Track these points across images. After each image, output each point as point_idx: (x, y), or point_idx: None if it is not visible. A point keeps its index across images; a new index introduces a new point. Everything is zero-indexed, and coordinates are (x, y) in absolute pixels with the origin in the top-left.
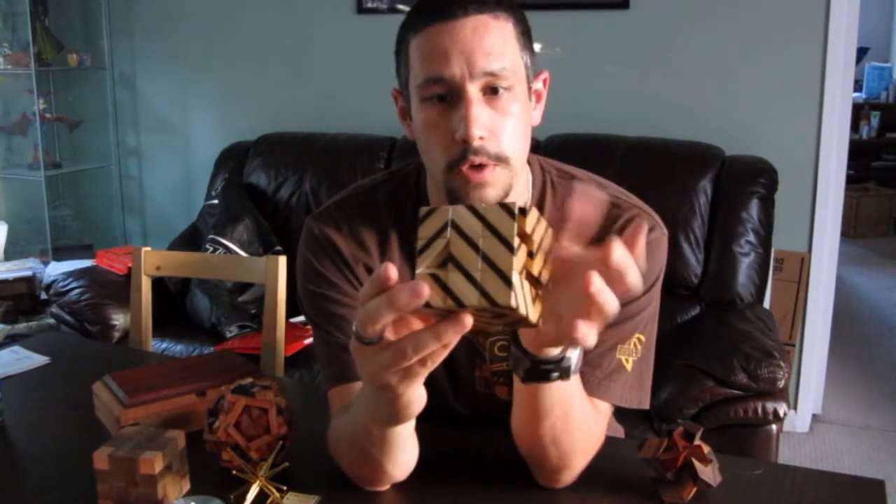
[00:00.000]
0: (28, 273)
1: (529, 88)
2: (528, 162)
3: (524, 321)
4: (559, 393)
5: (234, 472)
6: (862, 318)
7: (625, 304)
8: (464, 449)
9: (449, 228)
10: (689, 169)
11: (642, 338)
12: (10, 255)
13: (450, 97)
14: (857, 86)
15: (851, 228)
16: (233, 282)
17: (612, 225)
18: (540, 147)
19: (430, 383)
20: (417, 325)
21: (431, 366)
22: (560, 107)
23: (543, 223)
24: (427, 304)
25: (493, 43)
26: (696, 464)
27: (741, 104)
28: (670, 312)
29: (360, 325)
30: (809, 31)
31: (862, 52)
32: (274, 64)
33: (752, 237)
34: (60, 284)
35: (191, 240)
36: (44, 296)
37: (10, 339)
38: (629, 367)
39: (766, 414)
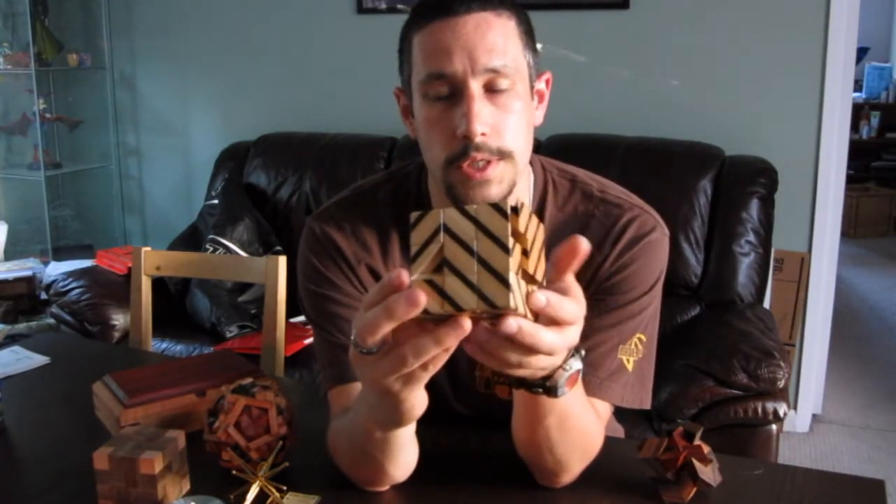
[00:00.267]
0: (28, 273)
1: (532, 87)
2: (530, 162)
3: None
4: (554, 401)
5: (234, 472)
6: (862, 318)
7: (625, 303)
8: (464, 449)
9: (441, 232)
10: (689, 169)
11: (643, 338)
12: (10, 255)
13: (451, 94)
14: (857, 86)
15: (851, 228)
16: (233, 282)
17: (613, 226)
18: (540, 147)
19: (430, 385)
20: (417, 330)
21: (433, 370)
22: (560, 107)
23: (535, 220)
24: (425, 311)
25: (495, 40)
26: (696, 464)
27: (741, 104)
28: (670, 312)
29: (358, 336)
30: (809, 31)
31: (862, 52)
32: (274, 64)
33: (752, 237)
34: (60, 284)
35: (191, 240)
36: (44, 296)
37: (10, 339)
38: (630, 367)
39: (766, 414)
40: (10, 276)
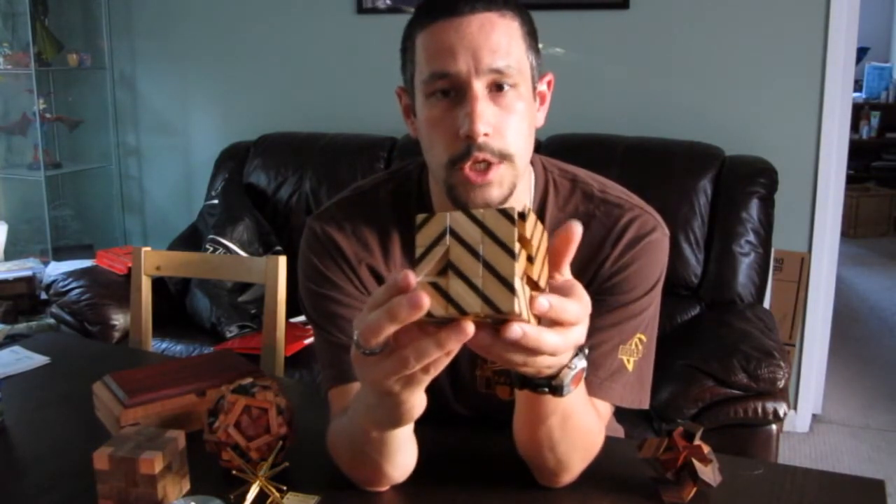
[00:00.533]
0: (28, 273)
1: (534, 88)
2: (531, 162)
3: None
4: (557, 401)
5: (234, 472)
6: (862, 318)
7: (626, 303)
8: (464, 450)
9: (447, 235)
10: (689, 169)
11: (643, 338)
12: (10, 255)
13: (454, 93)
14: (857, 86)
15: (851, 228)
16: (233, 282)
17: (614, 226)
18: (541, 147)
19: (431, 385)
20: (419, 332)
21: (434, 372)
22: (560, 107)
23: (540, 226)
24: (428, 314)
25: (499, 40)
26: (696, 464)
27: (741, 104)
28: (670, 312)
29: (361, 337)
30: (809, 31)
31: (862, 52)
32: (274, 64)
33: (752, 237)
34: (60, 284)
35: (191, 240)
36: (44, 296)
37: (10, 339)
38: (630, 367)
39: (766, 414)
40: (10, 276)
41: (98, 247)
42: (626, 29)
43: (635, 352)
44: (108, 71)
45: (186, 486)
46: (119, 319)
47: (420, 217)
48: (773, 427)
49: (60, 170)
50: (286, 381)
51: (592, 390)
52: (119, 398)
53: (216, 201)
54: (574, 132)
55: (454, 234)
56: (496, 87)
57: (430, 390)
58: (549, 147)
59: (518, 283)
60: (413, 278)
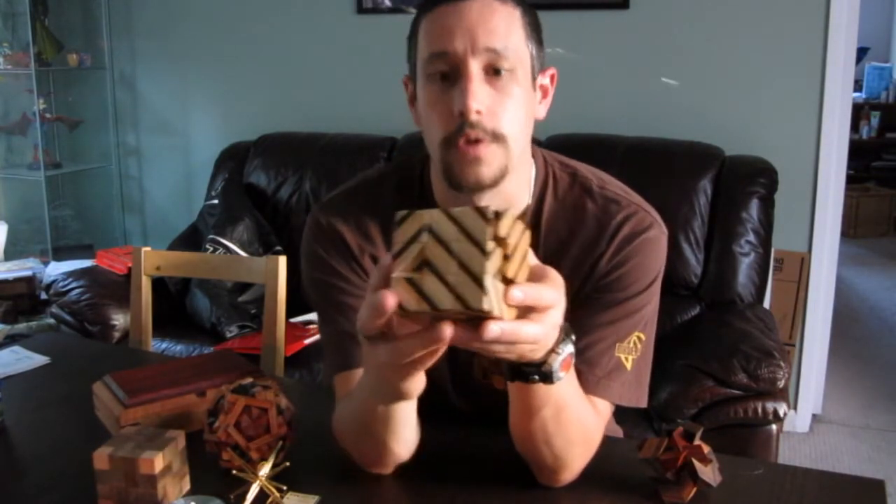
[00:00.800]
0: (28, 273)
1: (534, 79)
2: (533, 155)
3: None
4: (548, 391)
5: (234, 472)
6: (862, 318)
7: (622, 301)
8: (464, 449)
9: (425, 232)
10: (689, 169)
11: (642, 336)
12: (10, 255)
13: (452, 75)
14: (857, 86)
15: (851, 228)
16: (233, 282)
17: (609, 222)
18: (540, 147)
19: (431, 373)
20: (412, 325)
21: (429, 362)
22: (560, 107)
23: (520, 226)
24: (404, 309)
25: (497, 23)
26: (696, 464)
27: (741, 104)
28: (670, 312)
29: (359, 323)
30: (809, 31)
31: (862, 52)
32: (274, 64)
33: (752, 237)
34: (60, 284)
35: (191, 240)
36: (44, 296)
37: (10, 339)
38: (629, 365)
39: (766, 414)
40: (10, 276)
41: (98, 247)
42: (626, 29)
43: (633, 350)
44: (108, 71)
45: (186, 486)
46: (119, 319)
47: (400, 214)
48: (773, 427)
49: (60, 170)
50: (286, 381)
51: (590, 388)
52: (119, 398)
53: (216, 201)
54: (574, 132)
55: (431, 232)
56: (493, 72)
57: (430, 379)
58: (549, 147)
59: (489, 281)
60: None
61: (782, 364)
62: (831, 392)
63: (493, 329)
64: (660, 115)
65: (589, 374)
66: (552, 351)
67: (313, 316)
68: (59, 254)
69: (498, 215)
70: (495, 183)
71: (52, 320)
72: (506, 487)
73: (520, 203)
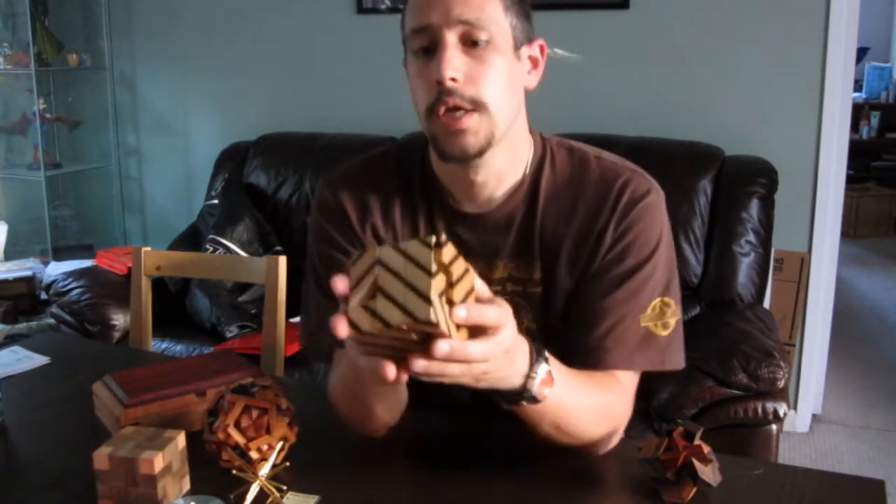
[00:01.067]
0: (28, 273)
1: (517, 49)
2: (530, 132)
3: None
4: (543, 406)
5: (234, 472)
6: (862, 318)
7: (633, 272)
8: (464, 446)
9: (376, 266)
10: (689, 169)
11: (666, 300)
12: (10, 255)
13: (432, 48)
14: (857, 86)
15: (851, 228)
16: (233, 282)
17: (609, 190)
18: None
19: None
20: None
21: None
22: (560, 107)
23: (462, 263)
24: (359, 330)
25: None
26: (696, 464)
27: (741, 104)
28: None
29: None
30: (809, 31)
31: (862, 52)
32: (274, 64)
33: (752, 237)
34: (60, 284)
35: (191, 240)
36: (44, 296)
37: (10, 339)
38: (660, 331)
39: (766, 414)
40: (10, 276)
41: (98, 247)
42: (626, 29)
43: (661, 315)
44: (108, 71)
45: (186, 486)
46: (119, 319)
47: (354, 254)
48: (773, 427)
49: (60, 170)
50: (286, 381)
51: (620, 364)
52: (119, 398)
53: (216, 201)
54: (574, 132)
55: (382, 264)
56: (471, 43)
57: None
58: None
59: (434, 296)
60: (342, 285)
61: (782, 364)
62: (831, 392)
63: (442, 347)
64: (660, 115)
65: (618, 351)
66: (528, 376)
67: None
68: (59, 254)
69: (439, 245)
70: (481, 152)
71: (52, 320)
72: (505, 483)
73: (512, 178)
